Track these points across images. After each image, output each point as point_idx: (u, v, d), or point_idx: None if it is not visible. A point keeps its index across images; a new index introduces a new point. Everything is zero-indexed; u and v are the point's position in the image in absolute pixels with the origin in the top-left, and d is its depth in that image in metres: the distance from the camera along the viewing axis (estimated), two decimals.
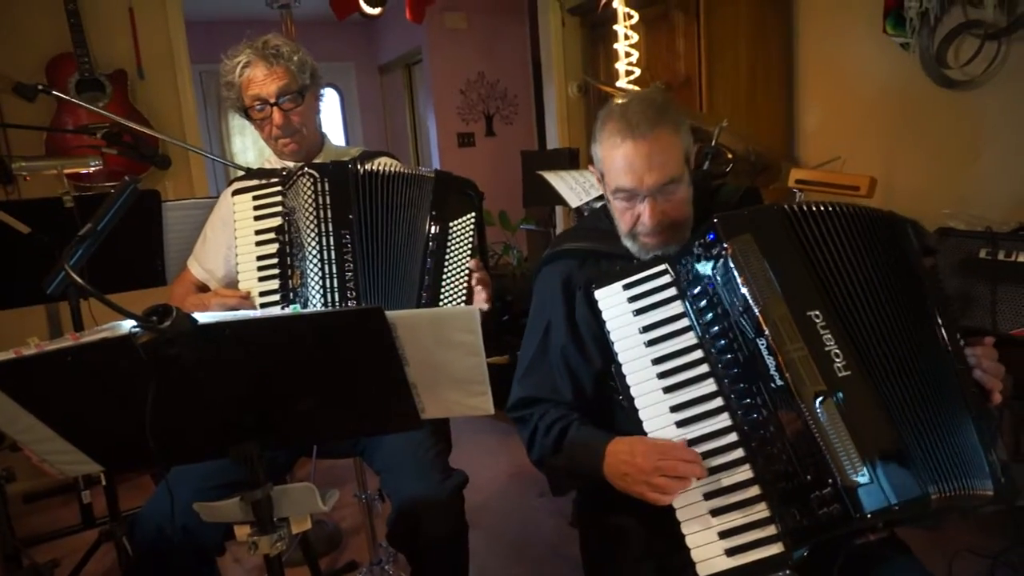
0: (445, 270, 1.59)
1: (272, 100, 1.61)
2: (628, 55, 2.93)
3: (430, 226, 1.59)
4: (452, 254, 1.60)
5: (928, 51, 2.54)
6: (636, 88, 2.95)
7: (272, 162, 1.77)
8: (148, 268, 2.05)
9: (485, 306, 1.57)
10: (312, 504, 1.10)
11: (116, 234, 1.40)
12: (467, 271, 1.59)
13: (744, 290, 1.07)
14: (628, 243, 1.31)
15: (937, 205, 2.32)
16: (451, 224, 1.61)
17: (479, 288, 1.58)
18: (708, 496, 1.06)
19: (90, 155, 2.01)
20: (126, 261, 1.97)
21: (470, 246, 1.61)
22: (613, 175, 1.25)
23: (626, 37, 2.91)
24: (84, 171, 2.06)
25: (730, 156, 2.04)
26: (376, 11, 3.97)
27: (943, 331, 1.11)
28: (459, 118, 5.66)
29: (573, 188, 2.20)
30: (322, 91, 1.74)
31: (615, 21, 2.99)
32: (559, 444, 1.25)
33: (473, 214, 1.63)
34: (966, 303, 1.92)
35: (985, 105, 2.46)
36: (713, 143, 2.06)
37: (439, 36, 5.46)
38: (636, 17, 2.90)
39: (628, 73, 2.94)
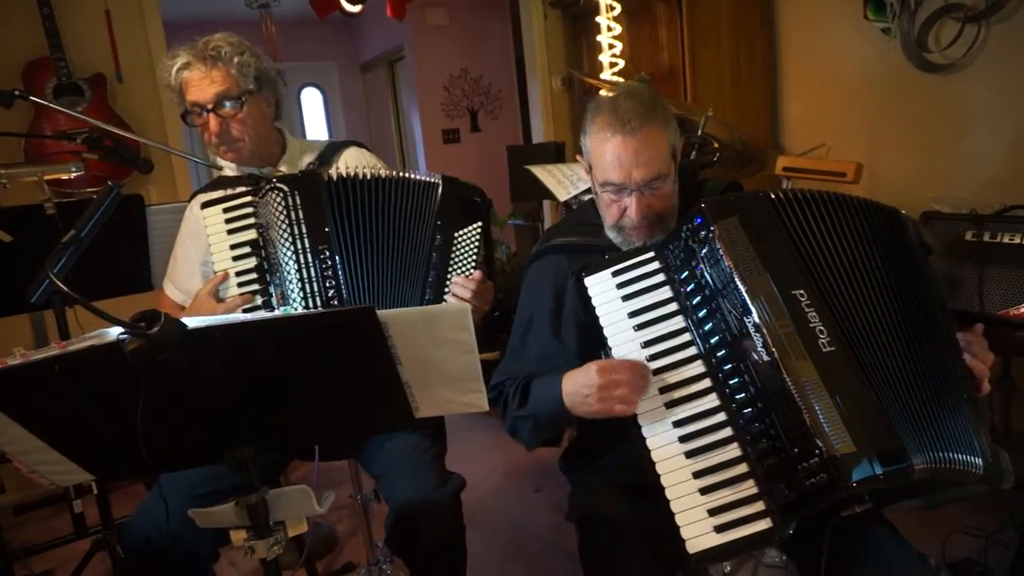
0: (448, 282, 1.52)
1: (209, 106, 1.50)
2: (611, 47, 2.93)
3: (435, 236, 1.52)
4: (456, 266, 1.53)
5: (909, 36, 2.55)
6: (620, 80, 2.95)
7: (234, 168, 1.67)
8: (133, 273, 2.03)
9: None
10: (308, 507, 1.09)
11: (100, 240, 1.38)
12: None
13: (731, 270, 1.10)
14: (613, 235, 1.33)
15: (922, 189, 2.33)
16: (456, 234, 1.54)
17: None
18: (697, 474, 1.09)
19: (70, 161, 1.99)
20: (111, 267, 1.94)
21: (475, 257, 1.53)
22: (601, 169, 1.27)
23: (609, 29, 2.91)
24: (65, 177, 2.03)
25: (716, 146, 2.04)
26: (357, 8, 3.95)
27: (935, 314, 1.13)
28: (444, 114, 5.65)
29: (561, 182, 2.19)
30: (276, 98, 1.61)
31: (597, 13, 3.00)
32: (525, 396, 1.30)
33: (479, 224, 1.55)
34: (953, 286, 1.94)
35: (967, 88, 2.48)
36: (699, 133, 2.07)
37: (421, 33, 5.44)
38: (618, 8, 2.90)
39: (612, 65, 2.95)
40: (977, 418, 1.09)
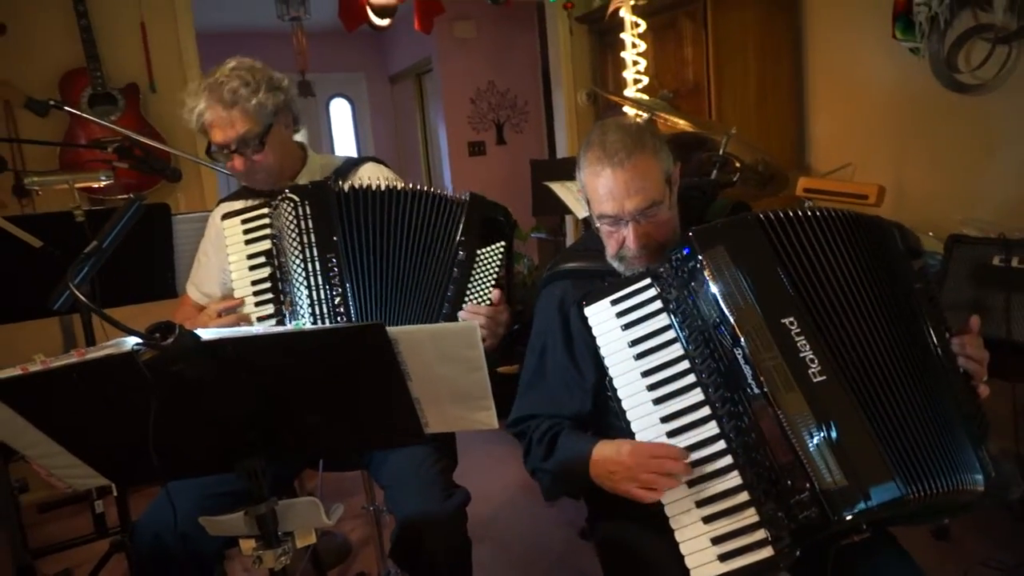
0: (466, 299, 1.53)
1: (232, 147, 1.55)
2: (636, 63, 2.94)
3: (457, 251, 1.53)
4: (476, 282, 1.54)
5: (938, 56, 2.52)
6: (644, 96, 2.96)
7: None
8: (159, 281, 2.06)
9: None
10: (316, 519, 1.10)
11: (127, 248, 1.42)
12: (488, 302, 1.53)
13: (719, 302, 1.10)
14: (615, 264, 1.34)
15: (949, 212, 2.29)
16: (479, 252, 1.54)
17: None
18: (700, 504, 1.09)
19: (101, 169, 2.04)
20: (137, 274, 1.98)
21: (495, 275, 1.54)
22: (596, 202, 1.29)
23: (633, 46, 2.92)
24: (96, 185, 2.08)
25: (738, 165, 2.03)
26: (385, 22, 4.00)
27: (929, 329, 1.13)
28: (470, 127, 5.68)
29: (579, 199, 2.20)
30: (293, 115, 1.63)
31: (622, 29, 3.00)
32: (551, 449, 1.30)
33: (503, 243, 1.56)
34: (979, 311, 1.90)
35: (997, 109, 2.44)
36: (721, 152, 2.06)
37: (448, 45, 5.49)
38: (643, 25, 2.90)
39: (636, 81, 2.95)
40: (978, 429, 1.07)
